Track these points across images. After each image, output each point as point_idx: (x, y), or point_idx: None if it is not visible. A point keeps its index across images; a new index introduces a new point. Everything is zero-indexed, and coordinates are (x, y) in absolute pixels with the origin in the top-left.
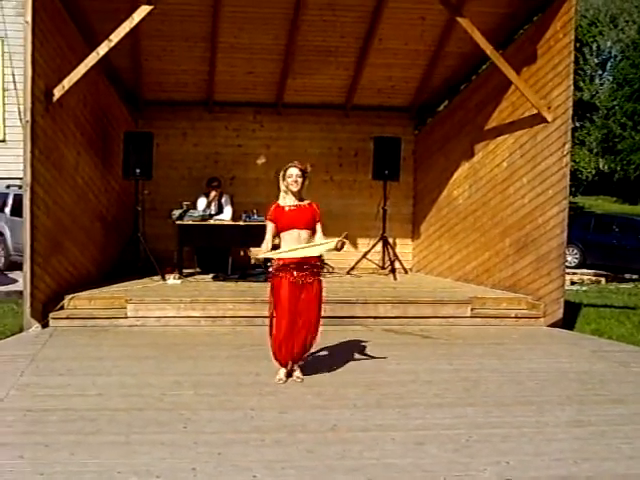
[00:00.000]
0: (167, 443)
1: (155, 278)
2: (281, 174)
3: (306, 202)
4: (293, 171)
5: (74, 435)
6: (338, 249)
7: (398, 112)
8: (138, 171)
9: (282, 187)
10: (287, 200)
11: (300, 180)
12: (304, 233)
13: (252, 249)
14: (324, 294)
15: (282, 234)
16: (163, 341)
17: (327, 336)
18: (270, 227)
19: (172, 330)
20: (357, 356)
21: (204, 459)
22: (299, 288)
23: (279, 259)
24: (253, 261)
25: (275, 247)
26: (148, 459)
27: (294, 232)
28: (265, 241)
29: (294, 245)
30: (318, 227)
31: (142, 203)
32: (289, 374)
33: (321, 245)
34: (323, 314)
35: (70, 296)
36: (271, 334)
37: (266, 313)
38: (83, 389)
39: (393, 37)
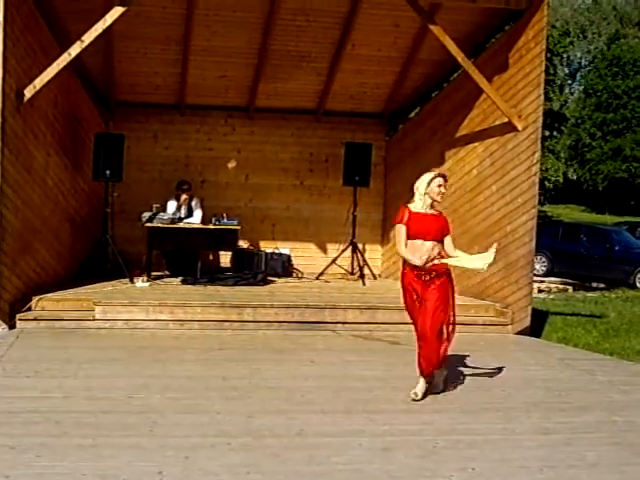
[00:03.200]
0: (134, 446)
1: (124, 280)
2: (425, 183)
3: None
4: (441, 181)
5: (40, 437)
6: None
7: (370, 118)
8: (108, 173)
9: (422, 197)
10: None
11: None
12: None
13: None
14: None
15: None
16: (131, 344)
17: (295, 341)
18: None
19: (140, 333)
20: (325, 361)
21: (171, 463)
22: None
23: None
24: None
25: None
26: (114, 462)
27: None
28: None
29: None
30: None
31: (112, 205)
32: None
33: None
34: (292, 319)
35: (38, 297)
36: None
37: (234, 317)
38: (50, 391)
39: (366, 43)
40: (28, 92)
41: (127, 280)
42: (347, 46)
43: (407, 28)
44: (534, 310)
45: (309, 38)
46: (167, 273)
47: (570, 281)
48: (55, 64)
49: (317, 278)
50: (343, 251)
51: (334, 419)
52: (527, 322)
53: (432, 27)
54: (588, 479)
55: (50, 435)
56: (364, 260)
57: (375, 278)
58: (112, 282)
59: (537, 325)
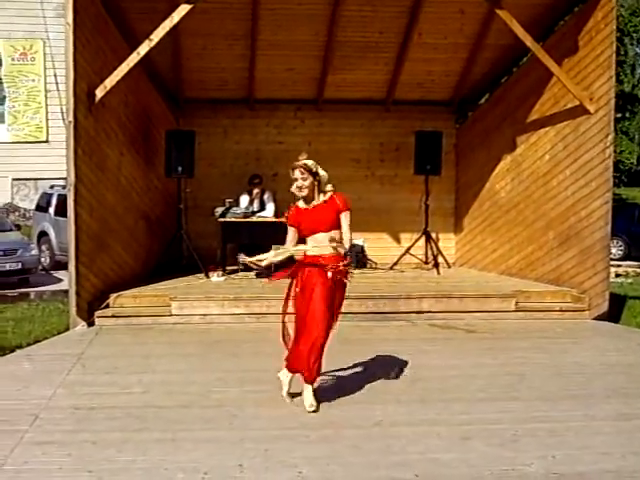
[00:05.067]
0: (213, 440)
1: (199, 276)
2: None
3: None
4: (296, 174)
5: (121, 432)
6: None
7: (439, 106)
8: (180, 169)
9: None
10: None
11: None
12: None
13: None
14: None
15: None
16: (207, 338)
17: (371, 331)
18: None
19: (216, 327)
20: (401, 351)
21: (251, 455)
22: None
23: None
24: None
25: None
26: (195, 456)
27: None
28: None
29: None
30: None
31: (184, 201)
32: None
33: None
34: (366, 310)
35: (115, 294)
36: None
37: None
38: (129, 387)
39: (432, 31)
40: (99, 92)
41: (202, 275)
42: (414, 35)
43: (473, 14)
44: (612, 295)
45: (375, 28)
46: (242, 267)
47: None
48: (125, 64)
49: (391, 268)
50: (416, 240)
51: (410, 409)
52: (605, 307)
53: (499, 11)
54: None
55: (131, 430)
56: (438, 249)
57: (449, 266)
58: (187, 277)
59: (615, 310)
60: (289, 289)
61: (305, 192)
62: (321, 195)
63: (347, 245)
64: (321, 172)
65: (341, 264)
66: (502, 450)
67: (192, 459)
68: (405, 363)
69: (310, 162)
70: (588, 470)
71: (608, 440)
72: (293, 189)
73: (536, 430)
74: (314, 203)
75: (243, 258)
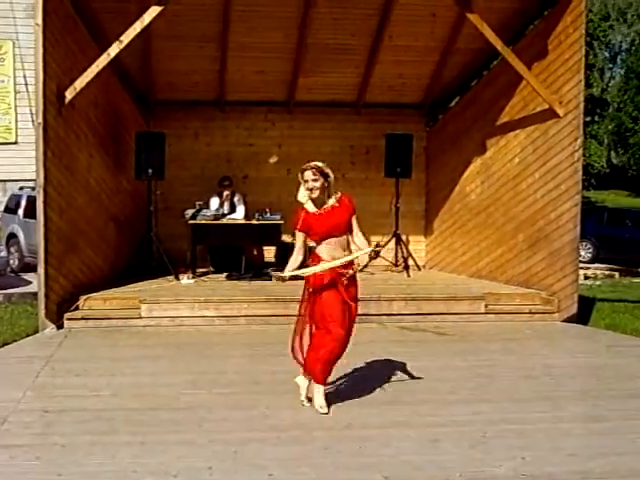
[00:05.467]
0: (183, 442)
1: (169, 278)
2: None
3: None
4: (308, 175)
5: (90, 435)
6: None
7: (410, 109)
8: (150, 171)
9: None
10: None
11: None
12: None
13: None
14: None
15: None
16: (177, 341)
17: None
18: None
19: (186, 330)
20: (371, 353)
21: (220, 458)
22: None
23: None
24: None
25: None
26: (164, 459)
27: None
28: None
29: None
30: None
31: (155, 203)
32: None
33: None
34: None
35: (85, 297)
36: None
37: (280, 311)
38: (98, 390)
39: (404, 34)
40: (69, 94)
41: (172, 277)
42: (385, 37)
43: (444, 17)
44: (580, 297)
45: (346, 31)
46: (212, 269)
47: (616, 267)
48: (95, 65)
49: (361, 270)
50: (387, 243)
51: (381, 410)
52: (574, 309)
53: (469, 15)
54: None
55: (100, 433)
56: (408, 251)
57: (419, 269)
58: (157, 280)
59: (584, 312)
60: (304, 294)
61: (316, 194)
62: (331, 198)
63: (366, 247)
64: (331, 173)
65: (354, 268)
66: (472, 452)
67: (161, 462)
68: (376, 365)
69: (321, 163)
70: (557, 471)
71: (577, 442)
72: (303, 193)
73: (505, 432)
74: (325, 207)
75: (275, 273)
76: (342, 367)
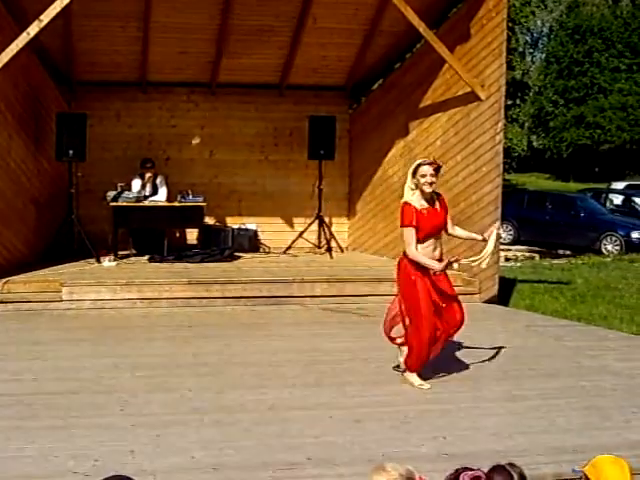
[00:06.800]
0: (105, 426)
1: (90, 260)
2: (410, 173)
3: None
4: (425, 170)
5: (10, 420)
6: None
7: (333, 91)
8: (71, 153)
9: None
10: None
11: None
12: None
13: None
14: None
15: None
16: (99, 324)
17: (264, 316)
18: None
19: (108, 313)
20: (295, 335)
21: (142, 441)
22: None
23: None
24: None
25: None
26: (86, 442)
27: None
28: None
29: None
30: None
31: (76, 185)
32: None
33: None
34: (260, 294)
35: (4, 280)
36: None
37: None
38: (19, 373)
39: (327, 16)
40: None
41: (94, 260)
42: (308, 19)
43: (367, 0)
44: (501, 278)
45: (270, 12)
46: (134, 252)
47: (536, 249)
48: (14, 44)
49: (284, 252)
50: (310, 225)
51: (304, 392)
52: (495, 291)
53: None
54: (558, 444)
55: (21, 417)
56: (331, 233)
57: (342, 251)
58: (79, 262)
59: (505, 293)
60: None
61: (431, 189)
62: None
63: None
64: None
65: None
66: (394, 432)
67: (83, 446)
68: (299, 347)
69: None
70: (478, 450)
71: (498, 421)
72: (411, 186)
73: (427, 412)
74: (429, 205)
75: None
76: (266, 350)
